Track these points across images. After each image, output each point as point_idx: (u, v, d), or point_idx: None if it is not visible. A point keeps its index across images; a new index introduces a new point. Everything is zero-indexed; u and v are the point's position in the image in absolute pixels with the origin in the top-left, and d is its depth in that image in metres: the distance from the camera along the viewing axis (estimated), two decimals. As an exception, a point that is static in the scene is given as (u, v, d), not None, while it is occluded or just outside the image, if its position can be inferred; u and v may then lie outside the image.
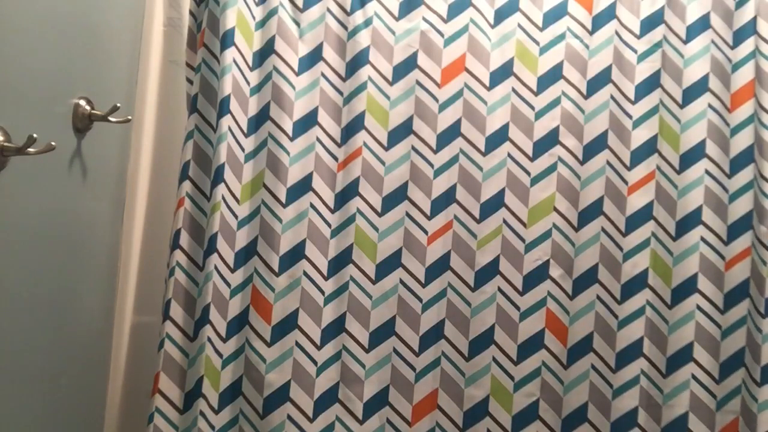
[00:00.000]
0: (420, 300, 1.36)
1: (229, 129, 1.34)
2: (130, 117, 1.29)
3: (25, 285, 1.07)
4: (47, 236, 1.12)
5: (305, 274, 1.34)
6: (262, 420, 1.31)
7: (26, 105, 1.03)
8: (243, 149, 1.37)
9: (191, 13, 1.45)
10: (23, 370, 1.08)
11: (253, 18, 1.39)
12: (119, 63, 1.35)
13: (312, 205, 1.36)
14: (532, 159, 1.37)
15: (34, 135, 0.93)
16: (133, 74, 1.41)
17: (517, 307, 1.35)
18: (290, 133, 1.37)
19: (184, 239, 1.34)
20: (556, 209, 1.36)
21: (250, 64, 1.39)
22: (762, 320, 1.27)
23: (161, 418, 1.29)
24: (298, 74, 1.39)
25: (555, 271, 1.35)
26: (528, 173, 1.37)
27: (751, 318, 1.30)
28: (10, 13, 0.97)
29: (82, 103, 1.19)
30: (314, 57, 1.40)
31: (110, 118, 1.21)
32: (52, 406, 1.19)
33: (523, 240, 1.36)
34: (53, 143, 1.00)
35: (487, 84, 1.39)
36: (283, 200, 1.35)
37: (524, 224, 1.36)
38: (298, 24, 1.40)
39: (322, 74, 1.39)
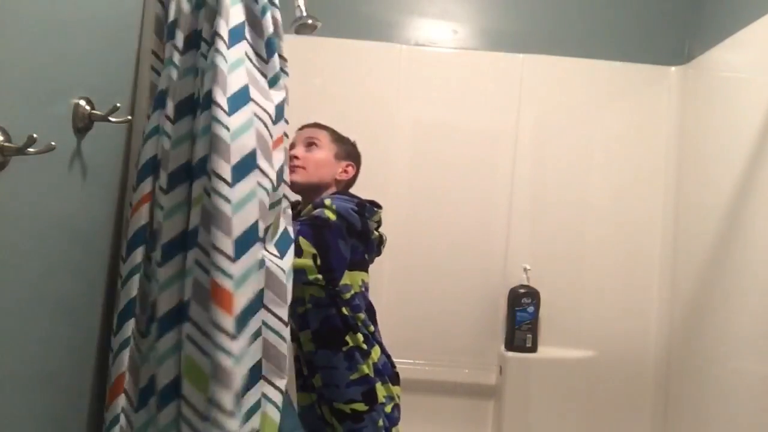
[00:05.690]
0: None
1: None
2: (130, 117, 1.29)
3: (25, 285, 1.07)
4: (47, 236, 1.12)
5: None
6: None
7: (26, 105, 1.03)
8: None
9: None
10: (23, 369, 1.08)
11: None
12: (119, 63, 1.35)
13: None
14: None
15: (34, 135, 0.93)
16: (133, 74, 1.42)
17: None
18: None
19: None
20: None
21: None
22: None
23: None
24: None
25: None
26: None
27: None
28: (10, 13, 0.97)
29: (82, 103, 1.19)
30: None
31: (110, 118, 1.21)
32: (52, 406, 1.19)
33: None
34: (53, 143, 1.00)
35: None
36: None
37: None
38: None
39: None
